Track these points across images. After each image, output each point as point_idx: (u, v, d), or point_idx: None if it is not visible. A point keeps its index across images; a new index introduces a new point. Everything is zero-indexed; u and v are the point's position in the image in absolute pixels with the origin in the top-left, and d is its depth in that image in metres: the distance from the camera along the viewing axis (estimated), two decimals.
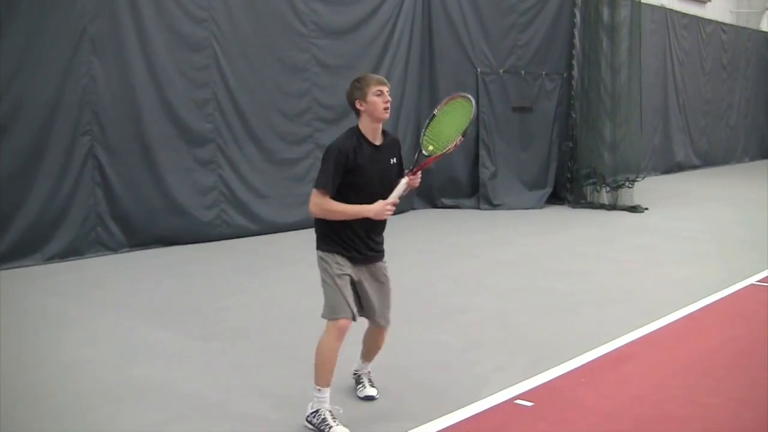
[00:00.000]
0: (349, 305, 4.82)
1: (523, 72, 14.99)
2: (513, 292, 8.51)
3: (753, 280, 9.18)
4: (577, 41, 15.26)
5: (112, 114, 9.87)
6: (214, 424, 4.98)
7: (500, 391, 5.54)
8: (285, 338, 6.82)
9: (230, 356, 6.33)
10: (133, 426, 4.94)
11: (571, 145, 15.45)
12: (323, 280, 4.90)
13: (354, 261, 4.93)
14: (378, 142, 4.90)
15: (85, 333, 6.90)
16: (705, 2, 24.87)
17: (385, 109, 4.81)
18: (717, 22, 24.36)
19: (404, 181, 4.87)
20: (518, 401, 5.40)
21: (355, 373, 5.49)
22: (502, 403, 5.36)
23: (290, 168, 11.99)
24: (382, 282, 5.10)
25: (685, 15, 22.49)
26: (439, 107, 5.15)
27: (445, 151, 4.98)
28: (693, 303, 8.06)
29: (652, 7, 20.19)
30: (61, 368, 5.97)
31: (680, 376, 6.00)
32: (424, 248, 11.07)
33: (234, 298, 8.15)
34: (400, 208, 13.49)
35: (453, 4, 14.45)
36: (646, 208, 14.68)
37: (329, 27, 12.40)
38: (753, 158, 27.09)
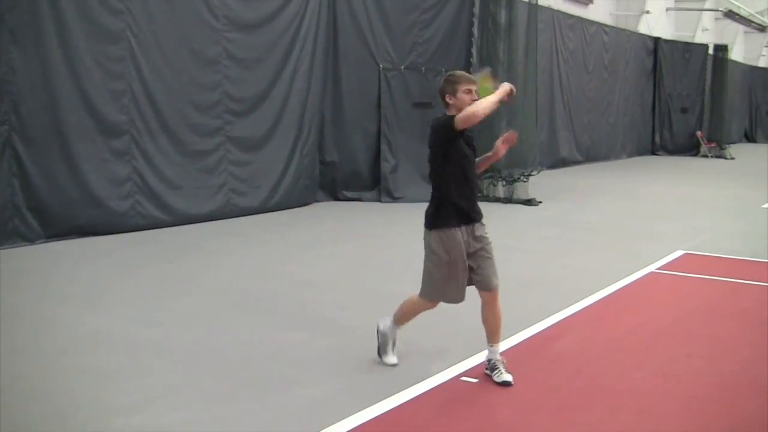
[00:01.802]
0: (484, 277, 5.58)
1: (423, 68, 15.44)
2: None
3: (653, 268, 9.84)
4: (475, 39, 15.78)
5: (30, 104, 9.82)
6: (167, 412, 5.17)
7: (446, 369, 5.90)
8: (218, 324, 7.02)
9: (175, 341, 6.49)
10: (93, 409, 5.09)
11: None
12: (430, 260, 5.61)
13: (469, 222, 5.61)
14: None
15: (34, 322, 6.95)
16: (588, 4, 25.88)
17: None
18: (599, 24, 25.43)
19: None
20: (464, 378, 5.78)
21: (489, 362, 5.77)
22: (449, 380, 5.74)
23: (202, 160, 12.11)
24: (488, 243, 5.69)
25: (570, 16, 23.40)
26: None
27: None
28: (603, 289, 8.64)
29: (540, 8, 20.91)
30: (21, 357, 6.04)
31: (608, 354, 6.52)
32: (341, 239, 11.36)
33: (162, 287, 8.27)
34: (303, 201, 13.85)
35: (357, 1, 14.75)
36: (540, 202, 15.34)
37: (240, 21, 12.56)
38: (630, 154, 28.36)
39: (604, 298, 8.34)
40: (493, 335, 5.78)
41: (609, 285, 8.82)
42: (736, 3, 33.56)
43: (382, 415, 5.09)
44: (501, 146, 5.84)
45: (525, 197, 15.50)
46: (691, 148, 30.51)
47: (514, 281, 8.99)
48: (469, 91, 5.47)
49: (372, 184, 15.25)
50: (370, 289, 8.52)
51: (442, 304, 5.86)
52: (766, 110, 42.82)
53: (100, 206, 10.63)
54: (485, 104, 5.29)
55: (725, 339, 7.14)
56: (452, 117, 5.40)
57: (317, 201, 14.47)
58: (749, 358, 6.65)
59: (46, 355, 6.11)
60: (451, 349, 6.41)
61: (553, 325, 7.27)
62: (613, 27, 26.79)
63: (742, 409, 5.52)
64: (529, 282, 9.00)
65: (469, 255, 5.60)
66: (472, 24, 15.71)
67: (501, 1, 15.80)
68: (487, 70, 5.83)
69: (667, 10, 32.15)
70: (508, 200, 15.49)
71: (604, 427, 5.09)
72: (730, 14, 32.42)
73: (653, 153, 30.17)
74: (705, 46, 31.02)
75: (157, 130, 11.36)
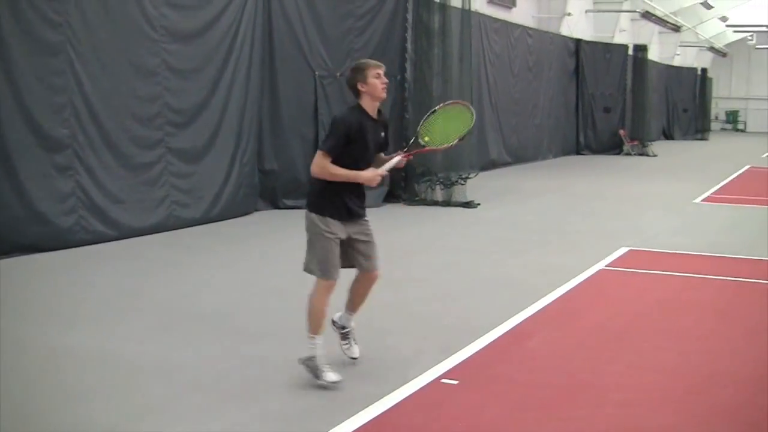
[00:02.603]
0: (336, 267, 5.58)
1: None
2: (397, 285, 8.90)
3: (602, 265, 10.04)
4: (409, 45, 15.87)
5: None
6: (160, 428, 5.10)
7: (424, 372, 5.92)
8: (183, 338, 6.93)
9: (146, 358, 6.39)
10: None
11: (404, 145, 15.96)
12: (312, 241, 5.64)
13: (343, 220, 5.62)
14: (375, 117, 5.59)
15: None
16: (511, 7, 26.22)
17: (383, 88, 5.52)
18: (523, 27, 25.80)
19: (399, 158, 5.66)
20: (444, 380, 5.82)
21: (343, 329, 5.99)
22: (429, 383, 5.77)
23: (144, 172, 11.91)
24: (368, 235, 5.82)
25: (496, 20, 23.68)
26: (440, 106, 5.93)
27: (439, 147, 5.76)
28: (558, 287, 8.76)
29: (470, 12, 21.11)
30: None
31: (581, 351, 6.65)
32: (292, 247, 11.21)
33: (119, 304, 8.13)
34: (244, 210, 13.74)
35: (292, 8, 14.67)
36: (479, 204, 15.46)
37: (178, 31, 12.38)
38: (556, 155, 28.79)
39: (562, 296, 8.48)
40: (354, 305, 6.06)
41: (563, 283, 8.95)
42: (651, 3, 34.34)
43: (372, 420, 5.09)
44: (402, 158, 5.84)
45: (463, 200, 15.63)
46: (614, 147, 31.11)
47: (471, 281, 9.10)
48: (378, 75, 5.55)
49: None
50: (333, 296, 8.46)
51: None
52: (682, 108, 43.94)
53: (45, 223, 10.36)
54: (347, 175, 5.50)
55: (689, 332, 7.34)
56: (325, 143, 5.57)
57: (257, 210, 14.33)
58: (715, 348, 6.84)
59: (19, 375, 5.91)
60: (423, 353, 6.42)
61: (520, 323, 7.36)
62: (536, 29, 27.20)
63: (720, 398, 5.67)
64: (486, 282, 9.10)
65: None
66: (405, 30, 15.79)
67: (433, 6, 15.94)
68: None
69: (587, 11, 32.74)
70: (447, 203, 15.58)
71: (592, 422, 5.18)
72: (647, 15, 33.16)
73: (578, 153, 30.67)
74: (625, 47, 31.70)
75: (99, 144, 11.12)
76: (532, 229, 12.94)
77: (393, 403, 5.35)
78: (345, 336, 6.10)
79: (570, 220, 13.95)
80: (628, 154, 30.54)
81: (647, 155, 30.47)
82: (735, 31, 51.82)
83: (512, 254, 10.75)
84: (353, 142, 5.49)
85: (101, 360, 6.29)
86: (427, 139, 5.85)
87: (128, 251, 10.74)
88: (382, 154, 5.84)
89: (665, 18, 36.22)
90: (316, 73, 15.01)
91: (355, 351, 6.10)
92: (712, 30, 49.55)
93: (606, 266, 10.00)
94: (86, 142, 10.95)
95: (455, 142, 5.84)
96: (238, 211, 13.64)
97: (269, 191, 14.66)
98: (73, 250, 10.56)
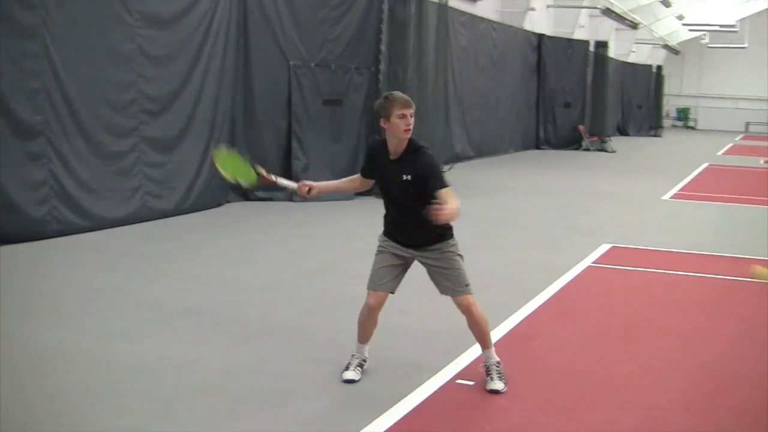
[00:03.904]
0: (377, 279, 5.56)
1: (333, 65, 15.22)
2: None
3: (588, 262, 9.98)
4: (384, 36, 15.67)
5: None
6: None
7: (437, 373, 5.77)
8: (178, 336, 6.69)
9: (144, 357, 6.15)
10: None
11: (377, 137, 15.78)
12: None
13: (401, 244, 5.59)
14: (394, 156, 5.36)
15: None
16: (475, 0, 26.10)
17: (406, 131, 5.28)
18: (489, 21, 25.72)
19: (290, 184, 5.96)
20: (459, 381, 5.66)
21: (484, 366, 5.63)
22: (445, 385, 5.62)
23: (118, 161, 11.58)
24: (437, 260, 5.58)
25: (463, 13, 23.56)
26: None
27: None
28: (550, 285, 8.65)
29: (447, 7, 20.99)
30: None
31: (588, 351, 6.57)
32: (272, 241, 11.06)
33: (102, 299, 7.84)
34: (216, 202, 13.47)
35: None
36: None
37: (154, 16, 12.06)
38: (517, 149, 28.80)
39: (555, 294, 8.37)
40: (479, 339, 5.71)
41: (553, 281, 8.85)
42: (611, 0, 34.49)
43: (394, 425, 4.92)
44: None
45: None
46: (573, 142, 31.19)
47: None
48: (403, 116, 5.26)
49: None
50: (323, 290, 8.29)
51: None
52: (637, 104, 44.27)
53: (17, 212, 10.01)
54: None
55: (690, 331, 7.29)
56: None
57: (228, 202, 14.05)
58: (721, 349, 6.78)
59: (10, 376, 5.61)
60: (428, 354, 6.27)
61: (521, 322, 7.25)
62: (500, 23, 27.14)
63: (740, 400, 5.61)
64: (477, 279, 8.91)
65: None
66: (380, 21, 15.59)
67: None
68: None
69: (548, 7, 32.79)
70: None
71: (617, 425, 5.07)
72: (607, 12, 33.30)
73: (537, 147, 30.71)
74: (586, 43, 31.78)
75: (72, 131, 10.76)
76: (508, 225, 12.85)
77: (410, 408, 5.18)
78: (487, 371, 5.62)
79: (544, 216, 13.88)
80: (587, 149, 30.64)
81: (606, 151, 30.61)
82: (690, 30, 52.37)
83: (494, 251, 10.64)
84: (378, 179, 5.61)
85: (95, 360, 6.01)
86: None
87: (103, 243, 10.42)
88: (443, 193, 5.15)
89: (624, 15, 36.41)
90: (291, 62, 14.76)
91: (497, 385, 5.53)
92: (667, 28, 50.03)
93: (593, 263, 9.92)
94: (60, 129, 10.61)
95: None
96: (210, 202, 13.36)
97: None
98: (46, 241, 10.22)
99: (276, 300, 7.90)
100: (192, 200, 12.89)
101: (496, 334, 6.73)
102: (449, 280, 5.57)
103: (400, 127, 5.26)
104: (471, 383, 5.58)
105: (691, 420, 5.23)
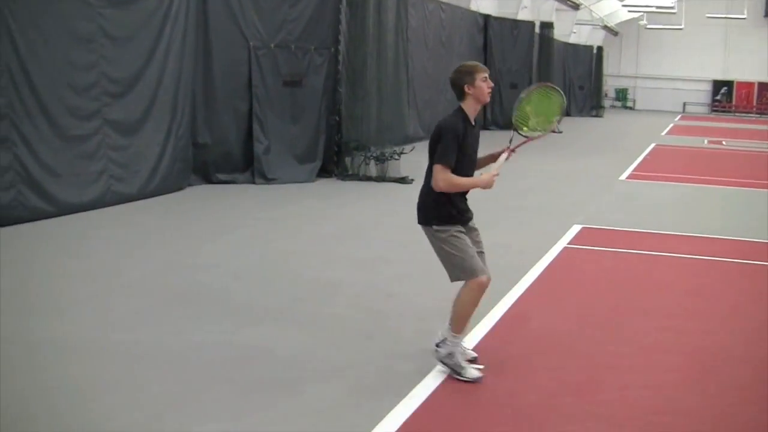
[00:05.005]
0: (483, 264, 5.47)
1: (293, 46, 15.07)
2: (369, 264, 8.71)
3: (564, 243, 10.04)
4: (342, 17, 15.55)
5: None
6: (194, 425, 4.80)
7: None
8: (172, 323, 6.59)
9: (143, 346, 6.03)
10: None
11: (337, 118, 15.75)
12: (445, 250, 5.45)
13: (464, 224, 5.55)
14: (474, 121, 5.51)
15: None
16: None
17: (489, 92, 5.43)
18: (438, 1, 25.67)
19: (504, 156, 5.63)
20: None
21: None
22: None
23: (81, 144, 11.33)
24: (479, 243, 5.68)
25: None
26: (526, 92, 5.88)
27: (541, 135, 5.78)
28: (533, 268, 8.69)
29: None
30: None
31: (585, 331, 6.70)
32: (242, 224, 10.92)
33: (86, 286, 7.68)
34: (178, 185, 13.28)
35: None
36: (413, 180, 15.29)
37: None
38: None
39: (539, 276, 8.41)
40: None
41: (534, 263, 8.89)
42: None
43: (416, 410, 4.90)
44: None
45: (398, 175, 15.45)
46: None
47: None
48: (486, 79, 5.47)
49: (245, 165, 14.76)
50: (302, 275, 8.20)
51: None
52: (578, 85, 44.71)
53: None
54: (468, 183, 5.52)
55: (679, 311, 7.42)
56: (441, 156, 5.36)
57: (190, 185, 13.84)
58: (711, 328, 6.91)
59: (14, 370, 5.43)
60: (429, 336, 6.19)
61: (513, 305, 7.27)
62: (448, 4, 27.13)
63: (738, 378, 5.73)
64: None
65: None
66: (339, 1, 15.46)
67: None
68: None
69: None
70: (382, 179, 15.36)
71: (623, 405, 5.18)
72: None
73: (485, 128, 30.65)
74: (531, 24, 31.97)
75: (37, 114, 10.47)
76: (474, 207, 12.83)
77: (429, 390, 5.18)
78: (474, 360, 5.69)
79: (508, 197, 13.86)
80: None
81: (553, 132, 30.73)
82: (629, 11, 52.97)
83: None
84: (461, 149, 5.40)
85: (92, 352, 5.86)
86: (526, 129, 5.86)
87: (70, 229, 10.20)
88: (503, 155, 5.77)
89: None
90: (251, 43, 14.57)
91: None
92: (607, 9, 50.54)
93: (568, 244, 10.00)
94: (23, 111, 10.32)
95: (555, 124, 5.94)
96: (173, 186, 13.15)
97: (201, 165, 14.19)
98: (13, 227, 9.95)
99: (261, 284, 7.81)
100: (155, 184, 12.67)
101: (489, 318, 6.76)
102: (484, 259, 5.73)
103: (485, 89, 5.45)
104: (480, 367, 5.58)
105: (698, 398, 5.33)
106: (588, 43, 48.80)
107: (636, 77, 60.74)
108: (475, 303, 5.48)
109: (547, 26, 32.55)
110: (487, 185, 5.53)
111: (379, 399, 5.01)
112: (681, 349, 6.26)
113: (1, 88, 10.01)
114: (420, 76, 24.46)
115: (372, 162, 15.58)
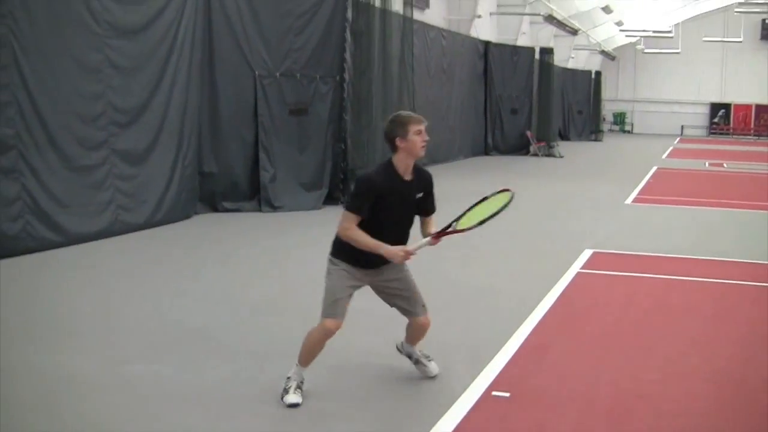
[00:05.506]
0: (336, 306, 5.28)
1: (298, 75, 15.06)
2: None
3: (576, 269, 9.96)
4: (347, 46, 15.56)
5: None
6: None
7: (470, 386, 5.67)
8: (191, 359, 6.49)
9: (165, 381, 5.93)
10: None
11: (343, 146, 15.74)
12: (326, 281, 5.37)
13: (364, 268, 5.37)
14: (408, 177, 5.24)
15: None
16: (424, 8, 26.16)
17: (423, 146, 5.17)
18: (438, 28, 25.78)
19: (427, 240, 5.29)
20: (494, 393, 5.57)
21: (410, 356, 5.81)
22: (482, 397, 5.51)
23: (88, 175, 11.28)
24: (400, 278, 5.52)
25: (415, 21, 23.51)
26: (493, 194, 5.48)
27: (465, 229, 5.35)
28: (548, 294, 8.59)
29: (393, 14, 20.94)
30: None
31: (607, 358, 6.61)
32: (254, 254, 10.87)
33: (98, 320, 7.58)
34: (185, 214, 13.21)
35: (231, 6, 14.19)
36: None
37: (121, 26, 11.78)
38: (466, 155, 28.90)
39: (555, 303, 8.31)
40: (413, 339, 5.84)
41: (549, 289, 8.79)
42: (550, 5, 34.81)
43: None
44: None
45: None
46: (521, 148, 31.44)
47: (450, 290, 8.80)
48: (420, 132, 5.20)
49: (251, 194, 14.72)
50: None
51: None
52: (577, 110, 44.81)
53: None
54: (369, 245, 5.16)
55: (700, 337, 7.33)
56: (351, 204, 5.25)
57: (196, 213, 13.79)
58: (736, 354, 6.81)
59: (21, 408, 5.33)
60: (453, 365, 6.15)
61: (532, 332, 7.18)
62: (449, 31, 27.21)
63: (763, 403, 5.62)
64: (472, 291, 8.87)
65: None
66: (344, 30, 15.48)
67: (373, 10, 15.70)
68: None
69: (491, 14, 32.95)
70: None
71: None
72: (550, 18, 33.58)
73: (486, 153, 30.86)
74: (532, 50, 32.06)
75: (44, 144, 10.45)
76: (483, 234, 12.72)
77: (457, 419, 5.09)
78: (416, 362, 5.89)
79: (515, 223, 13.82)
80: (535, 154, 30.88)
81: (554, 156, 30.89)
82: (627, 36, 53.19)
83: (477, 260, 10.57)
84: (378, 203, 5.13)
85: (106, 385, 5.76)
86: (462, 222, 5.44)
87: (79, 259, 10.13)
88: (432, 218, 5.52)
89: (564, 21, 36.78)
90: (256, 72, 14.56)
91: (432, 368, 5.85)
92: (605, 34, 50.70)
93: (581, 269, 9.91)
94: (31, 142, 10.30)
95: (478, 222, 5.34)
96: (180, 215, 13.11)
97: (208, 194, 14.17)
98: (22, 258, 9.89)
99: (280, 317, 7.68)
100: (162, 213, 12.63)
101: (509, 347, 6.67)
102: (415, 293, 5.63)
103: (418, 143, 5.18)
104: (507, 395, 5.50)
105: (727, 426, 5.24)
106: (586, 68, 48.98)
107: (634, 101, 60.89)
108: (319, 343, 5.34)
109: (547, 52, 32.61)
110: (391, 256, 5.19)
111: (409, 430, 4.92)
112: (706, 376, 6.17)
113: (9, 119, 9.98)
114: (422, 103, 24.40)
115: None
